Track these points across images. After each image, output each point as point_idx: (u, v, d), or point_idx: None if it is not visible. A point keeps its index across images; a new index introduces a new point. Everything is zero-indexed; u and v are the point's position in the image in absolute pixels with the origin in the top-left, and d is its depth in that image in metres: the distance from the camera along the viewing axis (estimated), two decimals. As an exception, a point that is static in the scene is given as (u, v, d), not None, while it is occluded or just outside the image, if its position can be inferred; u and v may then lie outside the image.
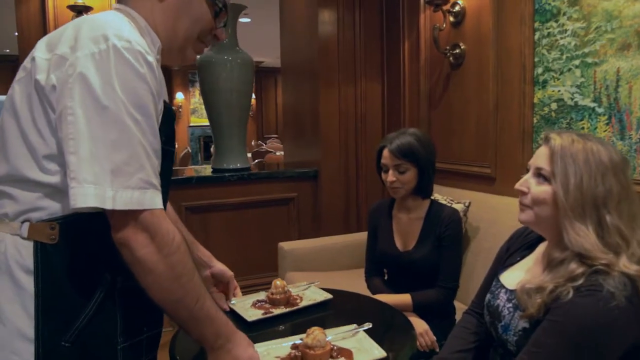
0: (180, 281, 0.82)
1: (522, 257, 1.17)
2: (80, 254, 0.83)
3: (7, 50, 8.38)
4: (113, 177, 0.76)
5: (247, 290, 2.95)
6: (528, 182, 1.06)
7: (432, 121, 2.70)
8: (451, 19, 2.46)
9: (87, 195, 0.75)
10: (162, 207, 0.82)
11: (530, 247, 1.18)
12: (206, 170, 3.42)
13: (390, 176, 1.62)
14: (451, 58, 2.47)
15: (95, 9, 2.50)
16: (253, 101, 12.60)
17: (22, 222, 0.83)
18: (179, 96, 11.68)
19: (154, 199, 0.80)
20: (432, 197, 1.75)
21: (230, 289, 1.39)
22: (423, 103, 2.74)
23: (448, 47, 2.47)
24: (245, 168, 3.15)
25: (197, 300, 0.85)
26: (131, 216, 0.78)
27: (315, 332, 1.02)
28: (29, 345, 0.82)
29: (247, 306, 1.35)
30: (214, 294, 1.36)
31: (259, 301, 1.38)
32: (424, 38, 2.69)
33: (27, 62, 0.85)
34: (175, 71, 11.58)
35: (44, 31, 2.44)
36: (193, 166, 7.75)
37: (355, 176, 3.07)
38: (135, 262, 0.80)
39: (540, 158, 1.05)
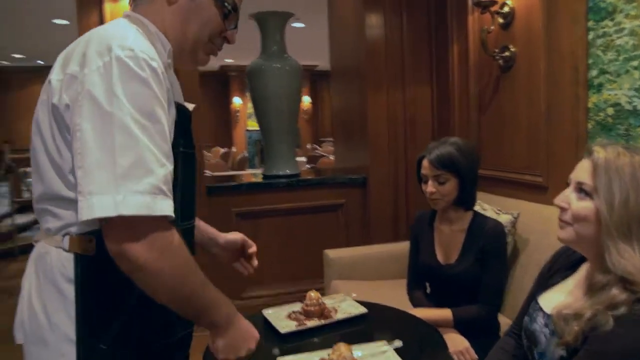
0: (186, 279, 0.84)
1: (564, 278, 1.11)
2: (115, 265, 0.83)
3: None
4: (121, 181, 0.75)
5: (296, 296, 3.01)
6: (568, 198, 1.01)
7: (481, 126, 2.61)
8: (500, 20, 2.37)
9: (91, 207, 0.76)
10: (171, 214, 0.80)
11: (573, 267, 1.11)
12: (258, 176, 3.50)
13: (430, 187, 1.59)
14: (500, 61, 2.38)
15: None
16: (309, 105, 12.73)
17: (64, 236, 0.87)
18: (236, 100, 11.98)
19: (163, 206, 0.78)
20: (476, 209, 1.70)
21: (247, 252, 1.33)
22: (473, 107, 2.66)
23: (497, 50, 2.38)
24: (295, 174, 3.19)
25: (203, 291, 0.87)
26: (137, 223, 0.77)
27: (341, 348, 1.02)
28: (73, 347, 0.88)
29: (282, 317, 1.37)
30: (237, 264, 1.34)
31: (293, 312, 1.39)
32: (472, 40, 2.61)
33: (46, 84, 0.88)
34: (232, 76, 11.90)
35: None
36: (249, 170, 7.93)
37: (405, 183, 3.03)
38: (137, 270, 0.79)
39: (581, 172, 1.00)
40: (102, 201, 0.75)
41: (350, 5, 3.20)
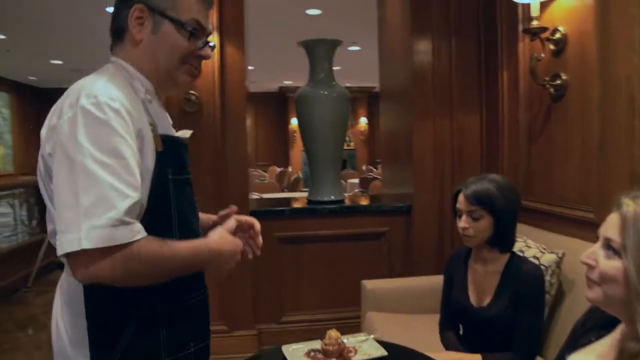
0: (161, 268, 0.93)
1: (598, 338, 1.01)
2: (118, 288, 0.92)
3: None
4: (84, 219, 0.85)
5: (334, 323, 2.97)
6: (596, 254, 0.93)
7: (531, 156, 2.50)
8: (551, 47, 2.27)
9: (62, 244, 0.86)
10: (138, 238, 0.88)
11: (609, 327, 1.01)
12: (302, 200, 3.52)
13: (462, 222, 1.53)
14: (551, 89, 2.28)
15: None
16: (365, 126, 12.72)
17: None
18: (294, 121, 12.19)
19: (125, 234, 0.87)
20: (519, 245, 1.62)
21: (251, 232, 1.26)
22: (522, 137, 2.55)
23: (547, 78, 2.28)
24: (339, 200, 3.18)
25: (182, 261, 0.96)
26: (99, 252, 0.85)
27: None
28: None
29: (300, 354, 1.35)
30: (245, 247, 1.26)
31: (312, 350, 1.37)
32: (522, 68, 2.52)
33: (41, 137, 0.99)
34: (291, 97, 12.14)
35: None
36: (302, 190, 7.98)
37: (450, 214, 2.92)
38: (112, 284, 0.90)
39: (610, 227, 0.91)
40: (68, 238, 0.86)
41: (398, 31, 3.19)
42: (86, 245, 0.84)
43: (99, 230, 0.85)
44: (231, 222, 1.11)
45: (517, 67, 2.56)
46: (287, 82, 11.73)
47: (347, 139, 13.14)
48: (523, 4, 2.45)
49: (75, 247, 0.85)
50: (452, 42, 2.92)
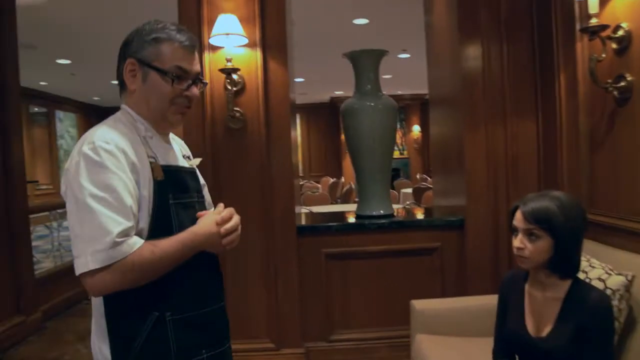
0: (157, 271, 1.10)
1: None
2: (133, 296, 1.11)
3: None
4: (87, 245, 1.05)
5: (384, 343, 2.88)
6: None
7: (594, 166, 2.30)
8: (613, 46, 2.09)
9: (77, 267, 1.07)
10: (130, 252, 1.06)
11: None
12: (350, 213, 3.44)
13: (517, 241, 1.40)
14: (615, 92, 2.09)
15: (242, 70, 2.74)
16: (418, 134, 12.48)
17: None
18: (346, 132, 12.08)
19: (124, 250, 1.05)
20: (583, 265, 1.46)
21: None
22: (583, 145, 2.36)
23: (610, 81, 2.09)
24: (389, 214, 3.08)
25: (174, 258, 1.12)
26: (105, 270, 1.04)
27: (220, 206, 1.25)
28: None
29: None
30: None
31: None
32: (581, 70, 2.33)
33: None
34: (343, 108, 12.11)
35: (202, 91, 2.76)
36: (355, 202, 7.89)
37: (506, 229, 2.77)
38: (122, 289, 1.08)
39: None
40: (80, 262, 1.06)
41: (446, 36, 3.07)
42: (92, 266, 1.04)
43: (100, 253, 1.04)
44: (219, 208, 1.26)
45: (576, 70, 2.38)
46: (338, 93, 11.73)
47: (400, 147, 12.94)
48: (580, 1, 2.28)
49: (84, 269, 1.05)
50: (504, 45, 2.77)
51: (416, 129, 12.60)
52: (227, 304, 2.79)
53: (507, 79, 2.78)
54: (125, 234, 1.06)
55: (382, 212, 3.08)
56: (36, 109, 10.11)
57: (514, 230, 1.45)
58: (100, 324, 1.17)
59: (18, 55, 3.75)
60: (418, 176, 11.06)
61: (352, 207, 6.77)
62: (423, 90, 10.86)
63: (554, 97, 2.57)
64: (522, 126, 2.78)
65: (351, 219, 3.08)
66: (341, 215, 3.42)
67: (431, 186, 7.07)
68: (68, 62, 7.11)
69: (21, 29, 3.73)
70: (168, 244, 1.12)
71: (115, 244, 1.04)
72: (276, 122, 2.83)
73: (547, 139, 2.69)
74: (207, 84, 1.35)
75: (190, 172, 1.32)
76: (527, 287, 1.50)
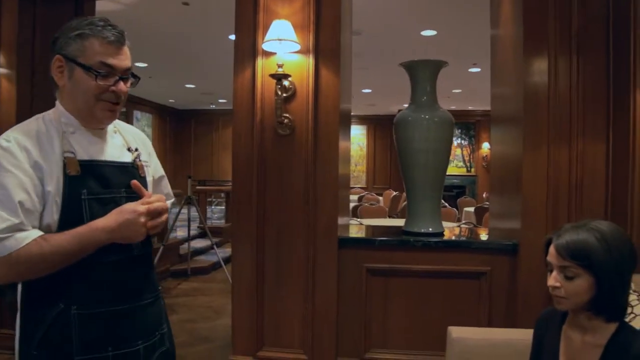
0: (48, 259, 1.12)
1: None
2: (42, 287, 1.16)
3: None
4: None
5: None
6: None
7: (669, 196, 2.05)
8: (698, 63, 1.86)
9: None
10: (19, 246, 1.09)
11: None
12: (396, 231, 3.31)
13: (551, 279, 1.24)
14: (697, 115, 1.85)
15: (293, 77, 2.72)
16: (487, 151, 11.97)
17: None
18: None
19: (7, 246, 1.08)
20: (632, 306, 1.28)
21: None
22: (658, 171, 2.11)
23: (692, 101, 1.86)
24: (438, 233, 2.93)
25: (65, 249, 1.12)
26: None
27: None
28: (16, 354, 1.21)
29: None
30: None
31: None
32: (660, 88, 2.10)
33: None
34: (410, 121, 11.88)
35: (253, 94, 2.78)
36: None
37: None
38: (9, 282, 1.16)
39: None
40: None
41: (510, 49, 2.88)
42: None
43: None
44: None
45: (654, 88, 2.15)
46: (405, 105, 11.53)
47: (468, 164, 12.48)
48: (662, 13, 2.05)
49: None
50: (573, 59, 2.55)
51: (485, 147, 12.10)
52: (261, 309, 2.74)
53: (576, 96, 2.55)
54: (11, 229, 1.08)
55: (430, 229, 2.94)
56: (118, 109, 10.77)
57: (548, 266, 1.28)
58: (19, 307, 1.23)
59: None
60: (485, 195, 10.60)
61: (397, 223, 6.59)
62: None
63: (628, 117, 2.33)
64: (589, 149, 2.54)
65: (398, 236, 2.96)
66: (390, 230, 3.30)
67: (495, 207, 6.74)
68: (145, 65, 7.49)
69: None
70: (61, 238, 1.12)
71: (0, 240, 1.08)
72: (324, 130, 2.78)
73: (618, 163, 2.44)
74: (139, 79, 1.30)
75: (123, 166, 1.30)
76: (564, 328, 1.33)
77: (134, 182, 1.26)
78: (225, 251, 6.35)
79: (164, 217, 1.25)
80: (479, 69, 7.07)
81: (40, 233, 1.13)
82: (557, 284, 1.22)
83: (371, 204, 7.17)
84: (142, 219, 1.18)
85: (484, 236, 3.09)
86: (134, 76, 1.29)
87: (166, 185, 1.51)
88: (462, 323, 2.35)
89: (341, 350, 2.77)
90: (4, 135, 1.17)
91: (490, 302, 2.69)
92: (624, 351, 1.17)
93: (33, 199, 1.13)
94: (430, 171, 2.96)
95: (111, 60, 1.21)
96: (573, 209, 2.55)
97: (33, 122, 1.23)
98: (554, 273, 1.23)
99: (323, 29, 2.75)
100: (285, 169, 2.79)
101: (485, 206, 6.55)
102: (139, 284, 1.28)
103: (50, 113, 1.26)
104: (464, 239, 2.90)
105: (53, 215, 1.16)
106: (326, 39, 2.75)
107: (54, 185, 1.16)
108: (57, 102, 1.27)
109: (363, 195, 9.64)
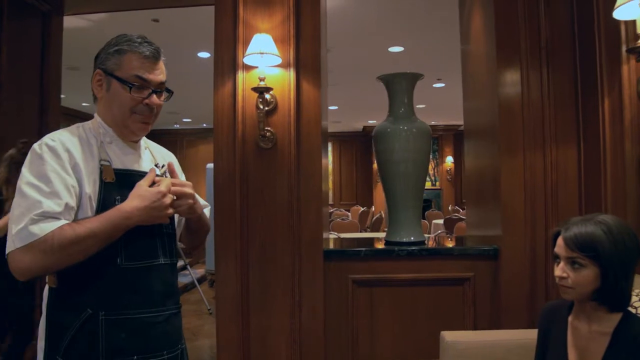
0: (83, 243, 1.13)
1: None
2: (69, 294, 1.18)
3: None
4: (14, 227, 1.12)
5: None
6: None
7: (642, 195, 2.17)
8: (663, 70, 1.99)
9: (7, 249, 1.12)
10: (49, 231, 1.11)
11: None
12: (380, 240, 3.35)
13: (559, 270, 1.29)
14: (665, 118, 1.98)
15: (275, 90, 2.73)
16: (451, 165, 12.30)
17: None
18: (378, 161, 12.02)
19: (41, 230, 1.10)
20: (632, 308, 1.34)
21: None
22: (630, 174, 2.23)
23: (660, 105, 1.99)
24: (420, 241, 2.98)
25: (98, 231, 1.15)
26: (25, 250, 1.10)
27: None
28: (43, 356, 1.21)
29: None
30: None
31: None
32: (628, 94, 2.24)
33: None
34: (375, 137, 12.08)
35: (234, 108, 2.76)
36: (380, 233, 7.75)
37: (544, 260, 2.61)
38: (42, 272, 1.16)
39: None
40: (8, 244, 1.13)
41: (483, 62, 3.00)
42: (14, 245, 1.10)
43: (22, 231, 1.10)
44: (150, 175, 1.29)
45: (621, 94, 2.28)
46: (372, 122, 11.72)
47: (432, 178, 12.75)
48: (626, 22, 2.19)
49: (9, 249, 1.12)
50: (543, 70, 2.68)
51: (449, 160, 12.42)
52: (247, 326, 2.70)
53: (547, 104, 2.68)
54: (47, 215, 1.12)
55: (412, 238, 2.98)
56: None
57: (555, 258, 1.34)
58: (44, 315, 1.23)
59: (61, 76, 3.87)
60: (450, 208, 10.83)
61: (381, 234, 6.66)
62: (457, 120, 10.77)
63: (597, 123, 2.46)
64: (562, 154, 2.66)
65: (380, 245, 2.99)
66: (370, 241, 3.33)
67: (463, 217, 6.89)
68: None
69: (65, 50, 3.87)
70: (94, 220, 1.17)
71: (34, 221, 1.10)
72: (307, 143, 2.79)
73: (589, 167, 2.56)
74: (172, 92, 1.39)
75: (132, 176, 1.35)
76: (570, 319, 1.38)
77: (169, 162, 1.36)
78: (197, 272, 6.22)
79: (190, 201, 1.32)
80: (443, 84, 7.29)
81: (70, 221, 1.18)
82: (564, 274, 1.27)
83: (342, 219, 7.21)
84: (167, 200, 1.24)
85: (461, 244, 3.16)
86: (168, 90, 1.37)
87: (199, 199, 1.51)
88: (449, 328, 2.38)
89: (330, 363, 2.75)
90: (50, 135, 1.24)
91: (474, 306, 2.74)
92: (632, 338, 1.23)
93: (72, 196, 1.18)
94: (411, 181, 3.02)
95: (146, 74, 1.29)
96: (550, 212, 2.64)
97: (75, 129, 1.31)
98: (562, 264, 1.29)
99: (303, 43, 2.79)
100: (268, 183, 2.78)
101: (454, 217, 6.71)
102: (165, 292, 1.29)
103: (89, 123, 1.34)
104: (446, 246, 2.95)
105: (88, 216, 1.21)
106: (307, 53, 2.79)
107: (91, 188, 1.22)
108: (96, 114, 1.36)
109: (332, 212, 9.69)
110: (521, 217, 2.66)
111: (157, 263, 1.27)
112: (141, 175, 1.31)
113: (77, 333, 1.16)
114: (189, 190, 1.32)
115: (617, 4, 1.96)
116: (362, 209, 10.49)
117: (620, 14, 2.02)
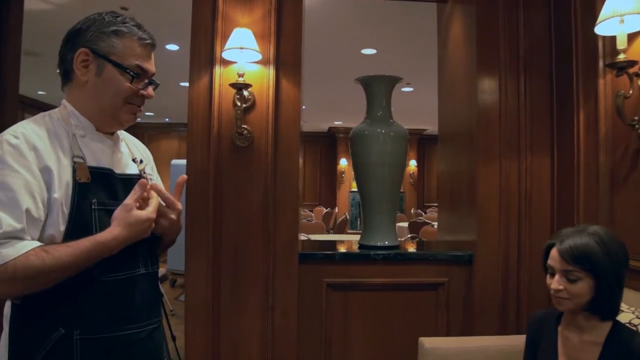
0: (50, 274, 0.98)
1: None
2: (37, 311, 1.02)
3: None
4: None
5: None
6: None
7: (615, 206, 2.22)
8: (641, 84, 2.04)
9: None
10: (16, 255, 0.95)
11: None
12: (354, 244, 3.32)
13: (555, 283, 1.29)
14: (641, 131, 2.03)
15: (253, 87, 2.65)
16: (414, 168, 12.48)
17: None
18: (343, 162, 12.10)
19: (3, 255, 0.95)
20: (625, 321, 1.36)
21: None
22: (603, 184, 2.28)
23: (637, 118, 2.04)
24: (394, 246, 2.96)
25: (69, 262, 0.99)
26: None
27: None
28: None
29: None
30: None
31: None
32: (603, 107, 2.29)
33: None
34: (340, 137, 12.11)
35: (210, 104, 2.66)
36: (350, 232, 7.77)
37: (517, 266, 2.66)
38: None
39: None
40: None
41: (461, 69, 3.02)
42: None
43: None
44: (137, 192, 1.13)
45: (597, 107, 2.33)
46: (337, 123, 11.73)
47: (395, 181, 12.89)
48: (604, 37, 2.24)
49: None
50: (521, 79, 2.73)
51: (412, 164, 12.60)
52: (217, 328, 2.57)
53: (524, 113, 2.72)
54: (7, 236, 0.95)
55: (387, 243, 2.96)
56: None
57: (548, 270, 1.34)
58: (6, 333, 1.06)
59: (20, 62, 3.65)
60: (412, 211, 10.98)
61: (348, 237, 6.66)
62: (422, 125, 10.92)
63: (572, 133, 2.51)
64: (536, 162, 2.71)
65: (353, 249, 2.96)
66: (340, 244, 3.30)
67: (428, 221, 6.99)
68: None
69: (26, 35, 3.65)
70: (65, 252, 1.00)
71: None
72: (285, 142, 2.73)
73: (562, 176, 2.61)
74: (159, 84, 1.25)
75: (129, 179, 1.21)
76: (560, 329, 1.39)
77: (142, 180, 1.16)
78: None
79: (173, 217, 1.21)
80: (411, 89, 7.36)
81: (39, 244, 1.00)
82: (561, 287, 1.27)
83: (308, 220, 7.16)
84: (152, 224, 1.13)
85: (434, 249, 3.17)
86: (155, 82, 1.24)
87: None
88: (422, 333, 2.38)
89: (302, 368, 2.70)
90: (11, 130, 1.05)
91: (448, 311, 2.75)
92: (624, 347, 1.24)
93: (38, 206, 1.01)
94: (387, 185, 3.00)
95: (145, 64, 1.17)
96: (523, 219, 2.69)
97: (41, 120, 1.12)
98: (557, 277, 1.28)
99: (284, 40, 2.72)
100: (243, 182, 2.70)
101: (419, 221, 6.78)
102: (147, 305, 1.16)
103: (56, 112, 1.15)
104: (422, 251, 2.96)
105: (59, 226, 1.04)
106: (287, 50, 2.73)
107: (63, 192, 1.05)
108: (65, 102, 1.17)
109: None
110: (496, 223, 2.69)
111: (138, 273, 1.14)
112: (118, 175, 1.17)
113: (47, 356, 1.00)
114: (179, 206, 1.22)
115: (599, 19, 1.99)
116: (325, 210, 10.48)
117: (601, 29, 2.06)
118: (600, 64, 2.30)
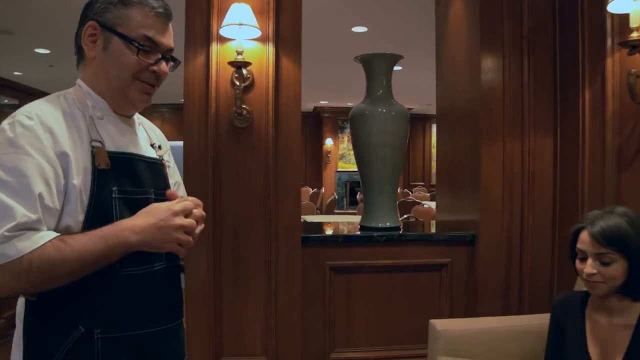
0: (67, 266, 0.89)
1: None
2: (54, 309, 0.94)
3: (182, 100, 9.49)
4: None
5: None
6: None
7: (621, 186, 2.22)
8: (653, 62, 2.02)
9: None
10: (32, 248, 0.86)
11: None
12: (353, 225, 3.29)
13: (589, 267, 1.26)
14: (652, 110, 2.02)
15: (254, 65, 2.56)
16: (401, 147, 12.48)
17: None
18: (328, 142, 12.03)
19: (16, 248, 0.86)
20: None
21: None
22: (609, 163, 2.28)
23: (648, 97, 2.02)
24: (395, 227, 2.94)
25: (89, 254, 0.90)
26: None
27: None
28: None
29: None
30: None
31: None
32: (611, 86, 2.26)
33: None
34: (325, 117, 12.02)
35: (207, 83, 2.57)
36: (337, 212, 7.74)
37: (519, 246, 2.66)
38: (15, 294, 0.93)
39: None
40: None
41: (463, 47, 2.97)
42: None
43: None
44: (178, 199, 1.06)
45: (604, 85, 2.31)
46: (323, 102, 11.62)
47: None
48: (613, 15, 2.21)
49: None
50: (524, 58, 2.68)
51: (398, 144, 12.61)
52: (219, 315, 2.47)
53: (527, 93, 2.69)
54: (22, 227, 0.87)
55: (388, 224, 2.94)
56: (6, 100, 9.59)
57: (579, 255, 1.31)
58: (19, 332, 0.98)
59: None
60: (399, 190, 11.02)
61: (341, 217, 6.63)
62: (411, 104, 10.87)
63: (576, 113, 2.49)
64: (539, 142, 2.69)
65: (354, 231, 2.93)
66: (340, 225, 3.26)
67: (418, 201, 7.00)
68: (47, 52, 6.76)
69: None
70: (84, 240, 0.91)
71: (6, 239, 0.85)
72: (285, 122, 2.65)
73: (565, 155, 2.60)
74: (179, 62, 1.15)
75: (152, 163, 1.13)
76: (588, 312, 1.37)
77: (170, 191, 1.08)
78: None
79: (200, 228, 1.08)
80: (400, 68, 7.28)
81: (57, 234, 0.91)
82: (594, 271, 1.25)
83: (297, 201, 7.13)
84: (177, 221, 0.98)
85: (436, 229, 3.16)
86: (174, 59, 1.11)
87: (184, 194, 1.29)
88: (425, 314, 2.38)
89: (305, 352, 2.67)
90: (24, 110, 0.95)
91: (451, 293, 2.75)
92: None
93: (53, 194, 0.92)
94: (388, 166, 2.96)
95: (156, 36, 1.04)
96: (526, 200, 2.68)
97: (56, 99, 1.02)
98: (590, 261, 1.26)
99: (284, 16, 2.62)
100: (242, 164, 2.62)
101: (409, 200, 6.79)
102: (172, 301, 1.09)
103: (71, 92, 1.05)
104: (425, 232, 2.94)
105: (77, 216, 0.95)
106: (287, 27, 2.63)
107: (81, 179, 0.96)
108: (80, 81, 1.07)
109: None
110: (499, 204, 2.67)
111: (159, 267, 1.06)
112: (141, 160, 1.09)
113: (67, 357, 0.93)
114: (202, 213, 1.09)
115: (612, -4, 1.95)
116: (312, 190, 10.44)
117: (614, 7, 2.02)
118: (609, 42, 2.27)
